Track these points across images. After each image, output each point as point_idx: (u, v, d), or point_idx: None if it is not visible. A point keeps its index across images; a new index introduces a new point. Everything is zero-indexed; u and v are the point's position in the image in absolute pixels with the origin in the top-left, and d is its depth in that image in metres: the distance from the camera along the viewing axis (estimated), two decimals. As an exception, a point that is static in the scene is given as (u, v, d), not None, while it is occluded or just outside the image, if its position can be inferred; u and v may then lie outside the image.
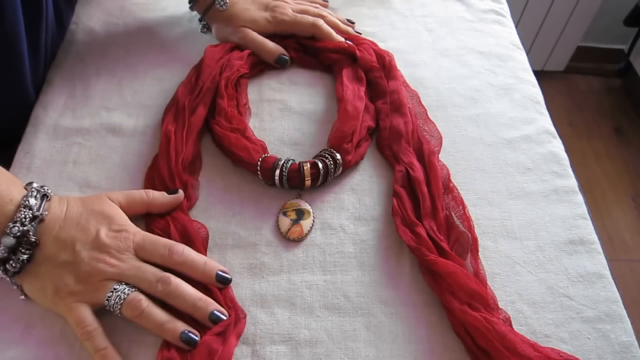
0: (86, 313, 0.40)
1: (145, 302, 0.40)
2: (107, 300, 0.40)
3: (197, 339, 0.40)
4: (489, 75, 0.62)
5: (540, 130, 0.56)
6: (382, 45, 0.62)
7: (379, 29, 0.66)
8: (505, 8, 0.72)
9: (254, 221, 0.48)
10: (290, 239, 0.47)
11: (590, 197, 1.50)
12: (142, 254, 0.42)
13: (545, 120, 0.58)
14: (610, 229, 1.45)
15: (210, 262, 0.43)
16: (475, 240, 0.46)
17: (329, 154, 0.50)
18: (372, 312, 0.44)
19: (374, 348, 0.42)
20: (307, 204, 0.49)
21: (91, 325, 0.39)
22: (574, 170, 0.53)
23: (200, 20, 0.63)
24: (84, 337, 0.39)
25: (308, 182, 0.49)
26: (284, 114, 0.57)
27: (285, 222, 0.48)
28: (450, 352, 0.42)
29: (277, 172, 0.49)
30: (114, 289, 0.40)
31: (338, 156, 0.50)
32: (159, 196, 0.47)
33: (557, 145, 0.55)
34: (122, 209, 0.45)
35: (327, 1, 0.68)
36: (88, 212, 0.43)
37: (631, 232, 1.45)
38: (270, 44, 0.60)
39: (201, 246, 0.45)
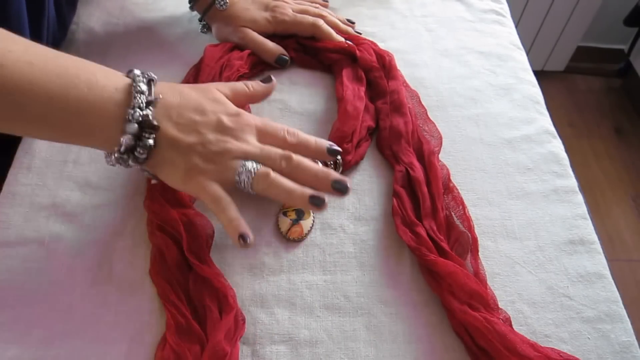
0: (219, 189, 0.42)
1: (273, 173, 0.42)
2: (237, 176, 0.42)
3: (325, 199, 0.42)
4: (489, 75, 0.62)
5: (540, 130, 0.56)
6: (382, 45, 0.62)
7: (379, 29, 0.66)
8: (505, 8, 0.72)
9: (254, 221, 0.48)
10: (290, 239, 0.47)
11: (590, 197, 1.50)
12: (263, 137, 0.44)
13: (545, 120, 0.58)
14: (610, 229, 1.46)
15: (319, 140, 0.46)
16: (475, 240, 0.46)
17: (329, 154, 0.50)
18: (372, 312, 0.44)
19: (374, 348, 0.42)
20: (307, 204, 0.49)
21: (225, 200, 0.42)
22: (574, 170, 0.53)
23: (200, 20, 0.63)
24: (219, 211, 0.42)
25: (308, 182, 0.49)
26: (284, 114, 0.57)
27: (285, 222, 0.48)
28: (450, 352, 0.42)
29: (277, 172, 0.49)
30: (243, 164, 0.42)
31: (338, 156, 0.50)
32: (258, 87, 0.49)
33: (557, 145, 0.55)
34: (230, 99, 0.46)
35: (327, 1, 0.68)
36: (203, 99, 0.44)
37: (631, 232, 1.45)
38: (270, 44, 0.60)
39: (204, 243, 0.45)
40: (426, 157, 0.51)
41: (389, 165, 0.52)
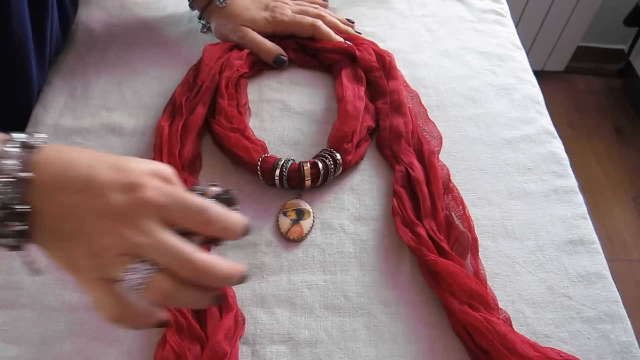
0: (107, 294, 0.33)
1: (172, 285, 0.33)
2: (123, 281, 0.32)
3: (225, 295, 0.38)
4: (489, 75, 0.62)
5: (540, 130, 0.56)
6: (382, 45, 0.62)
7: (379, 29, 0.66)
8: (505, 8, 0.72)
9: (254, 221, 0.48)
10: (290, 239, 0.47)
11: (590, 197, 1.50)
12: (169, 217, 0.33)
13: (545, 120, 0.58)
14: (610, 229, 1.45)
15: (240, 220, 0.36)
16: (475, 240, 0.46)
17: (329, 154, 0.50)
18: (372, 312, 0.44)
19: (374, 348, 0.42)
20: (307, 204, 0.49)
21: (116, 309, 0.33)
22: (574, 170, 0.53)
23: (199, 18, 0.63)
24: (114, 321, 0.34)
25: (308, 182, 0.49)
26: (284, 114, 0.57)
27: (285, 222, 0.48)
28: (450, 352, 0.42)
29: (277, 172, 0.49)
30: (131, 268, 0.32)
31: (338, 156, 0.50)
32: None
33: (557, 145, 0.55)
34: None
35: (327, 1, 0.68)
36: (96, 162, 0.34)
37: (631, 232, 1.45)
38: (268, 44, 0.60)
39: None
40: (426, 157, 0.51)
41: (389, 165, 0.52)
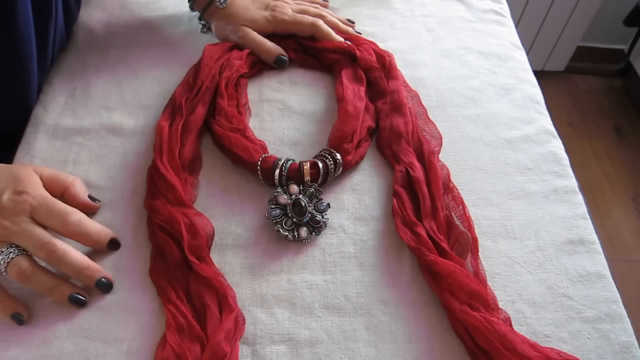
0: None
1: (30, 266, 0.41)
2: None
3: (85, 300, 0.42)
4: (489, 75, 0.62)
5: (540, 130, 0.56)
6: (382, 45, 0.62)
7: (379, 29, 0.66)
8: (505, 8, 0.72)
9: (254, 221, 0.48)
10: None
11: (590, 197, 1.50)
12: (38, 218, 0.43)
13: (545, 120, 0.58)
14: (610, 229, 1.45)
15: (103, 231, 0.45)
16: (475, 240, 0.46)
17: (329, 154, 0.50)
18: (372, 312, 0.44)
19: (374, 348, 0.42)
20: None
21: None
22: (574, 170, 0.53)
23: (200, 19, 0.63)
24: None
25: (308, 182, 0.49)
26: (284, 114, 0.57)
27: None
28: (450, 352, 0.42)
29: (277, 172, 0.49)
30: (1, 251, 0.41)
31: (338, 156, 0.50)
32: (80, 191, 0.47)
33: (557, 145, 0.55)
34: (43, 182, 0.45)
35: (327, 1, 0.68)
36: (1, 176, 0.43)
37: (631, 232, 1.45)
38: (269, 44, 0.60)
39: (205, 243, 0.45)
40: (426, 157, 0.51)
41: (389, 165, 0.52)
